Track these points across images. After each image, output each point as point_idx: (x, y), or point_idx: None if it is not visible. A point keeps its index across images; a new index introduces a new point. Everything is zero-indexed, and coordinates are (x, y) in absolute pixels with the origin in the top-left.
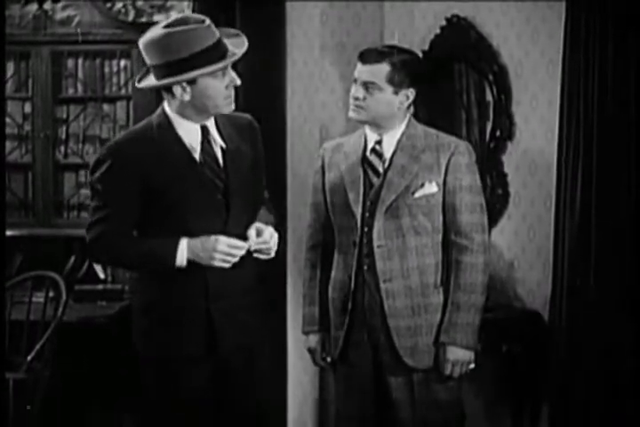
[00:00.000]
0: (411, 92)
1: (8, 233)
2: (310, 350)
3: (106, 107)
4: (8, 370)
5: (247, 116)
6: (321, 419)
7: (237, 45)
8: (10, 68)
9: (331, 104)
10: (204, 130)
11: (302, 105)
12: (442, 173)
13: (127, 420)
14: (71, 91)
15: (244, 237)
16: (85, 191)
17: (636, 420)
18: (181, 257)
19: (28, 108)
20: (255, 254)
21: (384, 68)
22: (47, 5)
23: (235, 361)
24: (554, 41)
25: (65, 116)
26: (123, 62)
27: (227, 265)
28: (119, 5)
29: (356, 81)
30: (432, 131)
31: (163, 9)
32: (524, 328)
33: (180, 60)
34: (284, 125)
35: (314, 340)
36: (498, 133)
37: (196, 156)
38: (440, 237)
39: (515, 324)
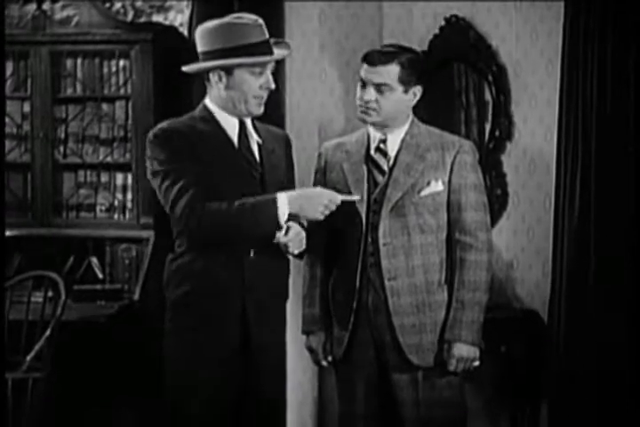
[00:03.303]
0: (418, 90)
1: (7, 233)
2: (311, 350)
3: (105, 107)
4: (7, 370)
5: (284, 131)
6: (320, 419)
7: (282, 52)
8: (9, 67)
9: (329, 104)
10: (242, 124)
11: (301, 105)
12: (447, 172)
13: (126, 419)
14: (70, 91)
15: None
16: (84, 191)
17: (636, 420)
18: (283, 211)
19: (27, 107)
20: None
21: (394, 69)
22: (46, 5)
23: (265, 358)
24: (552, 41)
25: (64, 115)
26: (122, 62)
27: (322, 217)
28: (118, 5)
29: (364, 84)
30: (435, 130)
31: (162, 9)
32: (523, 328)
33: (227, 49)
34: (282, 126)
35: (315, 340)
36: (497, 133)
37: (235, 146)
38: (444, 235)
39: (513, 324)
